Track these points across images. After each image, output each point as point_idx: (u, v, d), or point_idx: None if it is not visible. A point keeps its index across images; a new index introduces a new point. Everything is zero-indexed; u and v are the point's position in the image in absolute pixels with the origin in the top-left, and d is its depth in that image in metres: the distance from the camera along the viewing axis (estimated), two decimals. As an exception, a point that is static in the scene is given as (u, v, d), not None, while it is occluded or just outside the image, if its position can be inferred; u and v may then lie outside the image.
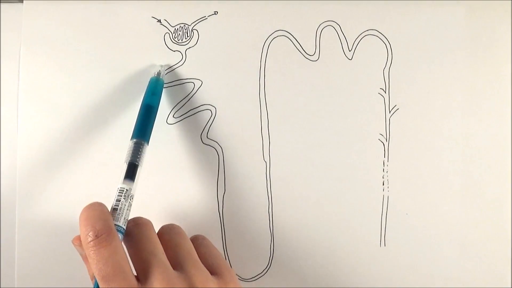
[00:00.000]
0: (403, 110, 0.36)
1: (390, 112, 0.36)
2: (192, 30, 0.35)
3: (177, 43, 0.35)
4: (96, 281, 0.27)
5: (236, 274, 0.36)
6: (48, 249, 0.35)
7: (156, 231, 0.31)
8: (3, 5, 0.36)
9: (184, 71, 0.35)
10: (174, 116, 0.36)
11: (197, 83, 0.36)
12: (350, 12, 0.36)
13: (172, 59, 0.35)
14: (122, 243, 0.29)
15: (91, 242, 0.27)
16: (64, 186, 0.35)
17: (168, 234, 0.31)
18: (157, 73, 0.34)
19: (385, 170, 0.36)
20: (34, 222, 0.35)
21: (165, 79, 0.35)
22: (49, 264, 0.35)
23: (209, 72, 0.36)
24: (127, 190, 0.30)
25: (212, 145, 0.36)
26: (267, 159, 0.36)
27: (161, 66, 0.35)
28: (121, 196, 0.30)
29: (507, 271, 0.37)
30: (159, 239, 0.30)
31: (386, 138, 0.36)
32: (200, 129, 0.36)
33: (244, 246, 0.36)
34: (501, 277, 0.37)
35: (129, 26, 0.35)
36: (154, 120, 0.33)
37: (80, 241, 0.29)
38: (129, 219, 0.30)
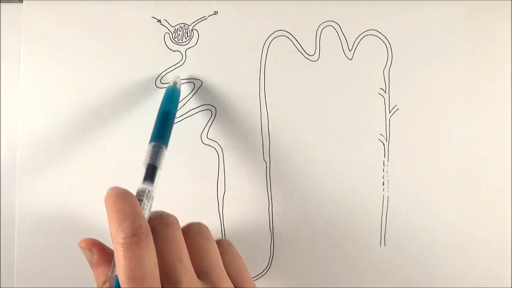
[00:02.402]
0: (403, 110, 0.36)
1: (390, 112, 0.36)
2: (192, 30, 0.35)
3: (177, 43, 0.35)
4: (117, 281, 0.26)
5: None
6: (48, 249, 0.35)
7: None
8: (3, 5, 0.36)
9: (184, 71, 0.35)
10: (174, 116, 0.36)
11: (197, 83, 0.36)
12: (350, 12, 0.36)
13: (172, 59, 0.35)
14: None
15: (127, 239, 0.25)
16: (64, 187, 0.35)
17: (195, 237, 0.30)
18: (174, 82, 0.34)
19: (385, 170, 0.36)
20: (34, 221, 0.35)
21: (165, 80, 0.35)
22: (49, 264, 0.35)
23: (209, 72, 0.36)
24: (149, 191, 0.29)
25: (212, 145, 0.36)
26: (267, 159, 0.36)
27: (177, 77, 0.35)
28: (143, 196, 0.29)
29: (507, 271, 0.37)
30: (185, 239, 0.29)
31: (386, 138, 0.36)
32: (200, 129, 0.36)
33: (244, 246, 0.36)
34: (501, 277, 0.37)
35: (129, 26, 0.35)
36: (172, 126, 0.33)
37: (88, 244, 0.29)
38: (152, 211, 0.29)
